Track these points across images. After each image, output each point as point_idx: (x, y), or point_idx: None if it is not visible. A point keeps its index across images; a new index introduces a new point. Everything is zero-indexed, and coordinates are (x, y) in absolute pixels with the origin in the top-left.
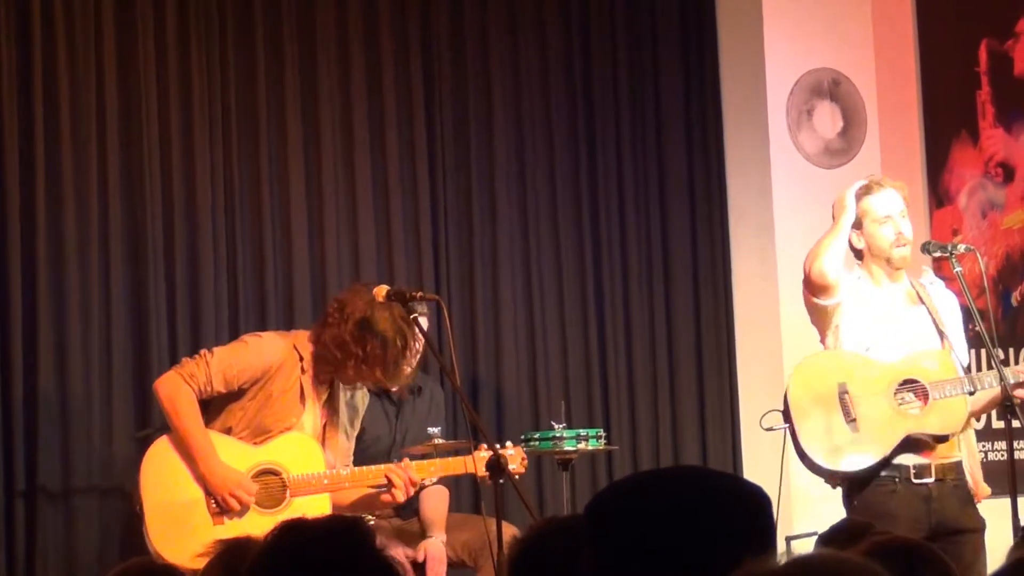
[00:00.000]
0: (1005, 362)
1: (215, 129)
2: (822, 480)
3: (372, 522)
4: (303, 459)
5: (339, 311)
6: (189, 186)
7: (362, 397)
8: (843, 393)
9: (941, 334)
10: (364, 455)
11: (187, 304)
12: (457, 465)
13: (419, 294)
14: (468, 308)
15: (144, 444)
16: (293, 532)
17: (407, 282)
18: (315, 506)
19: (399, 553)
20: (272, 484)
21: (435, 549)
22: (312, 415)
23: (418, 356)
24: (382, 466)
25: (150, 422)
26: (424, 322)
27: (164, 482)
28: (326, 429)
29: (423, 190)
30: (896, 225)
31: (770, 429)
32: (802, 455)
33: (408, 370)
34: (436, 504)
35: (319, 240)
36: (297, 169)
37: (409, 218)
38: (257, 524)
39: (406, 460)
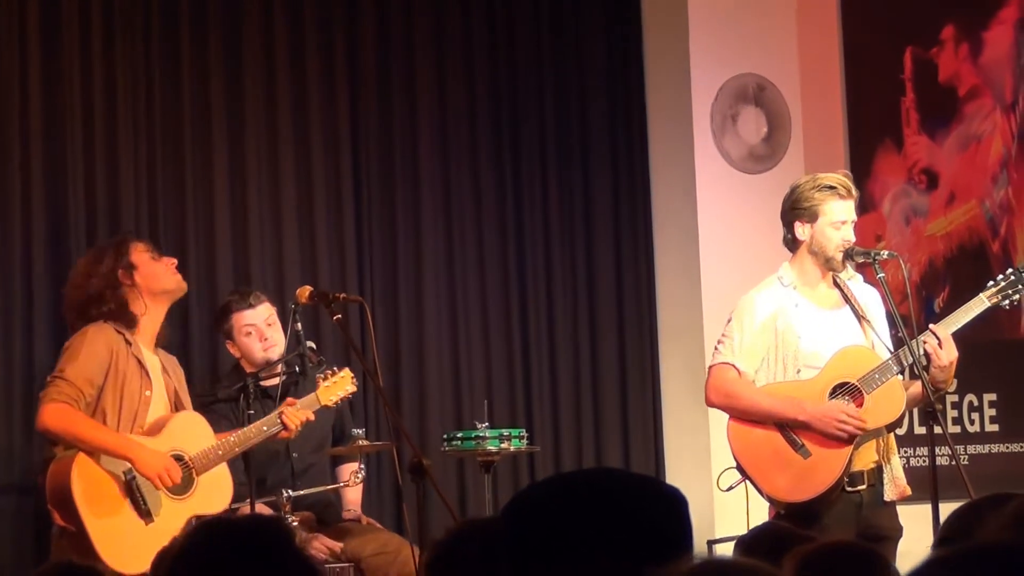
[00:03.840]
0: (927, 368)
1: (139, 132)
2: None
3: (295, 523)
4: (196, 436)
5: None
6: (112, 189)
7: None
8: (783, 427)
9: (864, 327)
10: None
11: None
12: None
13: (342, 296)
14: (392, 308)
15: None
16: (212, 531)
17: (331, 285)
18: (216, 480)
19: (319, 547)
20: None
21: None
22: (158, 383)
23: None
24: (271, 415)
25: None
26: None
27: (96, 499)
28: (178, 394)
29: (347, 194)
30: (846, 231)
31: (730, 488)
32: (772, 501)
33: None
34: None
35: (243, 245)
36: (221, 177)
37: (333, 221)
38: (175, 512)
39: (289, 400)
